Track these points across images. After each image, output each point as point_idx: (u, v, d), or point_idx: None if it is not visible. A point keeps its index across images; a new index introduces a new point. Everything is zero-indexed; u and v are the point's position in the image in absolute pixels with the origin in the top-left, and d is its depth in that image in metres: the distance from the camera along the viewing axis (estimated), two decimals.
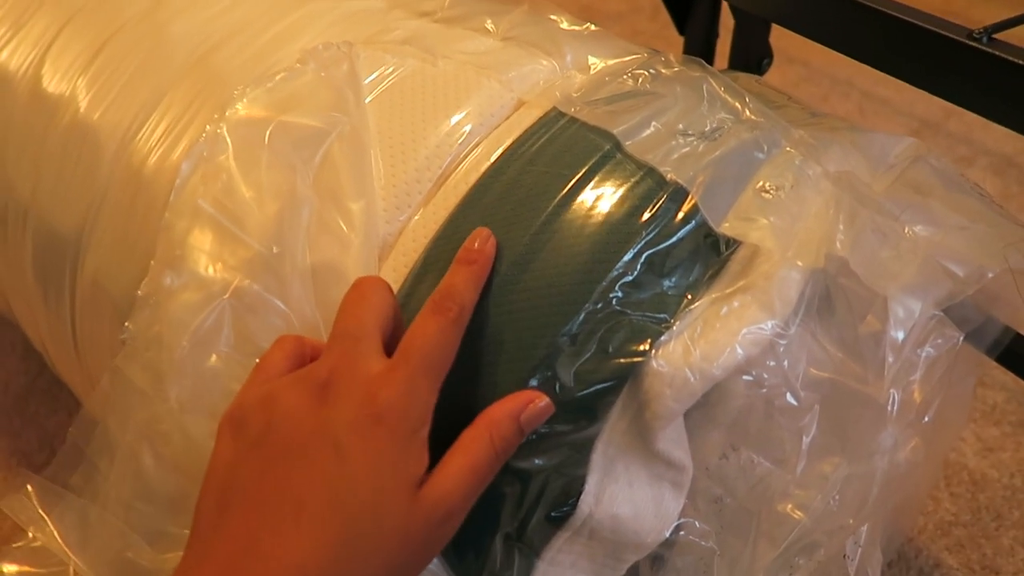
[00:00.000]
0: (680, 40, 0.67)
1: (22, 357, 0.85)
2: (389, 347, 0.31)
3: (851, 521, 0.32)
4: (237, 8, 0.50)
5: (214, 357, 0.33)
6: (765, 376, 0.32)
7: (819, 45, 0.43)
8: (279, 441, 0.29)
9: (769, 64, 0.61)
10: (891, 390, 0.31)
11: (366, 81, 0.41)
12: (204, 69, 0.47)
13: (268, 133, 0.37)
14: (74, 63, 0.52)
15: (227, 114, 0.39)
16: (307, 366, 0.31)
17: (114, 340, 0.46)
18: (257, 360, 0.31)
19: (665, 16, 0.64)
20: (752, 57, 0.60)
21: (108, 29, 0.53)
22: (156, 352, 0.35)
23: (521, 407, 0.30)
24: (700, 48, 0.64)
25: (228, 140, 0.38)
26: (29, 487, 0.35)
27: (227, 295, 0.34)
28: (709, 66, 0.41)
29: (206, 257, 0.35)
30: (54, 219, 0.50)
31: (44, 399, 0.81)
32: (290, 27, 0.47)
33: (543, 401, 0.30)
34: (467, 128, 0.38)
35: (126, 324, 0.37)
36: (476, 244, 0.33)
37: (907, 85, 0.38)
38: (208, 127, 0.40)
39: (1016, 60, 0.31)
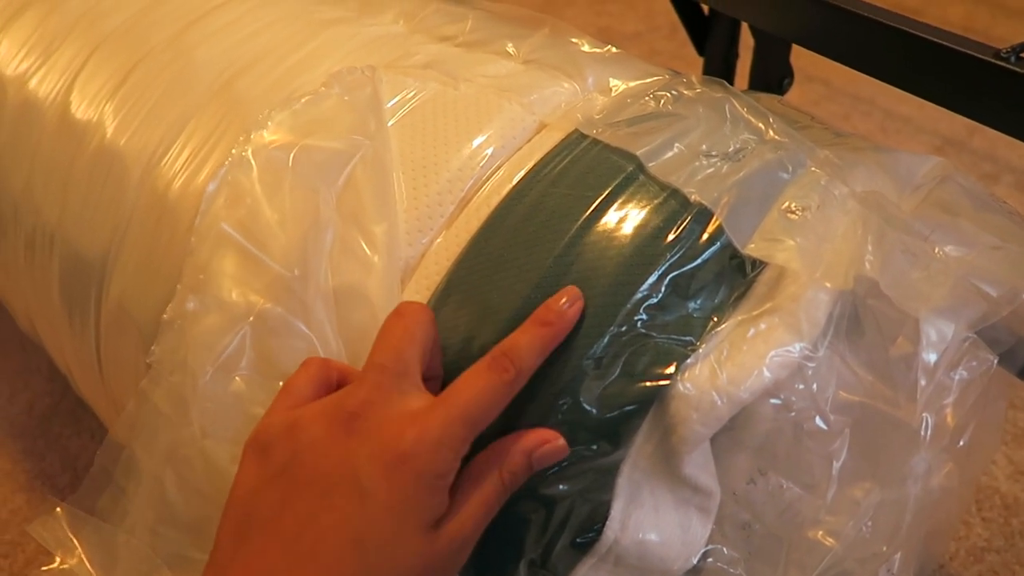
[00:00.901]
0: (699, 60, 0.67)
1: (47, 378, 0.86)
2: (425, 380, 0.30)
3: (884, 548, 0.32)
4: (261, 35, 0.50)
5: (237, 381, 0.33)
6: (793, 399, 0.31)
7: (839, 63, 0.42)
8: (303, 473, 0.28)
9: (790, 84, 0.61)
10: (924, 414, 0.30)
11: (388, 104, 0.41)
12: (228, 95, 0.47)
13: (292, 156, 0.37)
14: (101, 90, 0.53)
15: (252, 137, 0.39)
16: (337, 395, 0.30)
17: (138, 363, 0.46)
18: (281, 383, 0.31)
19: (683, 35, 0.64)
20: (773, 77, 0.60)
21: (135, 56, 0.54)
22: (180, 377, 0.35)
23: (535, 445, 0.30)
24: (719, 69, 0.64)
25: (253, 163, 0.38)
26: (59, 510, 0.35)
27: (250, 318, 0.34)
28: (731, 87, 0.41)
29: (229, 281, 0.35)
30: (80, 243, 0.51)
31: (68, 421, 0.82)
32: (313, 53, 0.48)
33: (558, 442, 0.30)
34: (489, 151, 0.38)
35: (152, 348, 0.38)
36: (563, 301, 0.31)
37: (929, 103, 0.37)
38: (234, 151, 0.40)
39: None
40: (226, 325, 0.34)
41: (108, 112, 0.52)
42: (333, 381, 0.32)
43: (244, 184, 0.37)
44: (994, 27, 1.48)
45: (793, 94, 0.62)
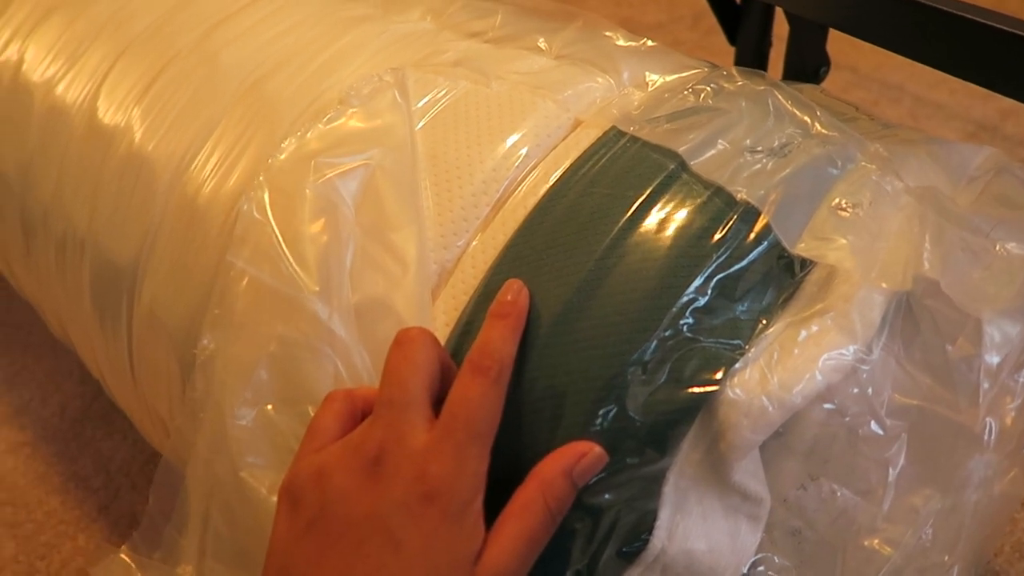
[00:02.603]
0: (724, 49, 0.65)
1: (78, 381, 0.86)
2: (441, 399, 0.30)
3: (946, 558, 0.30)
4: (287, 36, 0.50)
5: (267, 410, 0.33)
6: (847, 404, 0.30)
7: (867, 49, 0.41)
8: (333, 526, 0.29)
9: (827, 72, 0.59)
10: (987, 418, 0.29)
11: (419, 105, 0.41)
12: (256, 98, 0.47)
13: (309, 174, 0.36)
14: (128, 94, 0.53)
15: (269, 162, 0.39)
16: (356, 437, 0.30)
17: (171, 368, 0.46)
18: (310, 408, 0.31)
19: (706, 25, 0.62)
20: (809, 66, 0.59)
21: (161, 60, 0.53)
22: (211, 413, 0.35)
23: (573, 461, 0.29)
24: (752, 58, 0.63)
25: (266, 189, 0.38)
26: (124, 556, 0.36)
27: (271, 347, 0.33)
28: (772, 78, 0.40)
29: (247, 311, 0.35)
30: (111, 249, 0.50)
31: (100, 423, 0.82)
32: (340, 52, 0.47)
33: (595, 451, 0.29)
34: (524, 150, 0.37)
35: (187, 386, 0.38)
36: (509, 296, 0.32)
37: (961, 88, 0.36)
38: (252, 186, 0.40)
39: None
40: (249, 356, 0.34)
41: (136, 117, 0.52)
42: (358, 413, 0.32)
43: (257, 213, 0.37)
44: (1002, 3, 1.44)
45: None
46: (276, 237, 0.35)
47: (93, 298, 0.53)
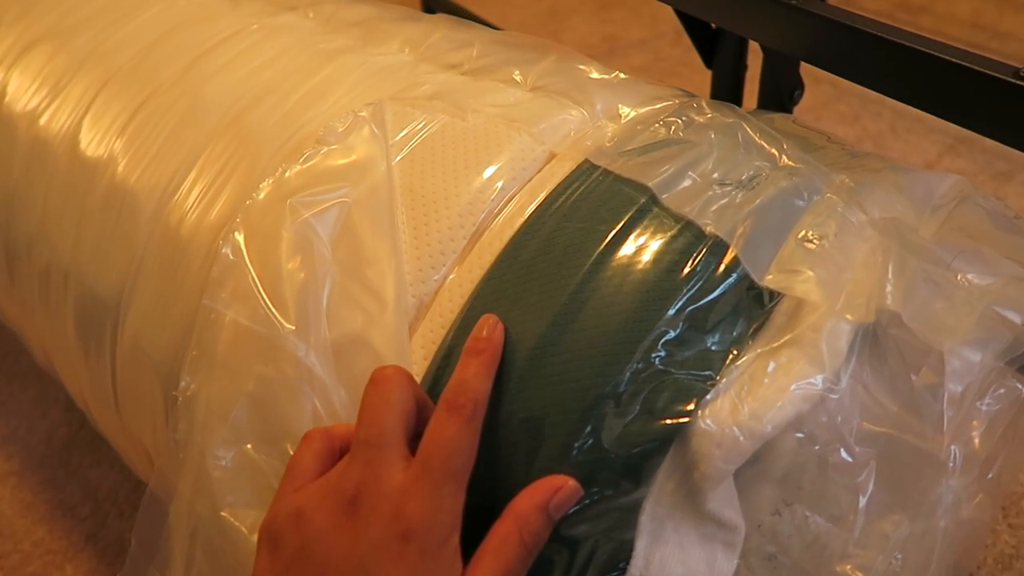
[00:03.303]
0: (704, 66, 0.66)
1: (65, 408, 0.86)
2: (417, 436, 0.31)
3: None
4: (268, 68, 0.50)
5: (247, 449, 0.33)
6: (817, 432, 0.31)
7: (852, 82, 0.42)
8: (312, 566, 0.29)
9: (801, 95, 0.60)
10: (952, 445, 0.29)
11: (397, 138, 0.41)
12: (237, 130, 0.47)
13: (286, 214, 0.37)
14: (111, 126, 0.53)
15: (247, 203, 0.40)
16: (333, 477, 0.30)
17: (155, 400, 0.46)
18: (289, 446, 0.31)
19: (687, 41, 0.63)
20: (783, 89, 0.60)
21: (143, 92, 0.54)
22: (190, 453, 0.35)
23: (548, 495, 0.29)
24: (728, 81, 0.64)
25: (243, 231, 0.38)
26: None
27: (249, 386, 0.34)
28: (742, 110, 0.41)
29: (225, 351, 0.36)
30: (94, 280, 0.51)
31: (87, 451, 0.82)
32: (320, 85, 0.48)
33: (569, 485, 0.30)
34: (500, 183, 0.38)
35: (169, 427, 0.38)
36: (484, 332, 0.32)
37: None
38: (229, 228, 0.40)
39: None
40: (228, 396, 0.34)
41: (119, 149, 0.52)
42: (336, 451, 0.32)
43: (233, 255, 0.37)
44: (1001, 22, 1.46)
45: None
46: (252, 278, 0.36)
47: (77, 329, 0.53)
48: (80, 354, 0.55)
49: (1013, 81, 0.31)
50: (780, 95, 0.60)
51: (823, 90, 1.26)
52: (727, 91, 0.64)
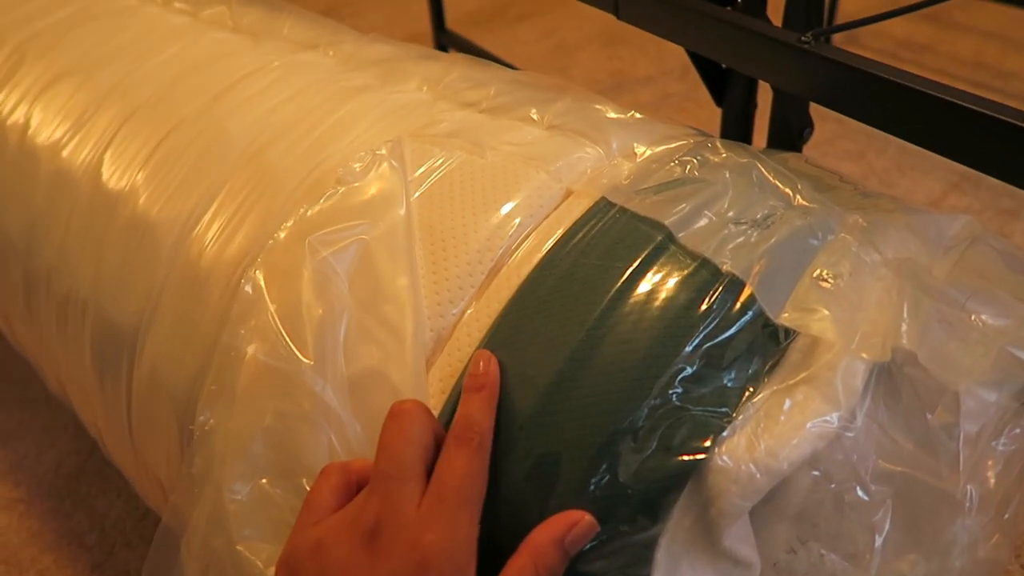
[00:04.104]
0: (712, 100, 0.67)
1: (74, 436, 0.87)
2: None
3: None
4: (289, 104, 0.52)
5: (263, 484, 0.34)
6: (833, 470, 0.31)
7: (861, 123, 0.43)
8: None
9: (810, 134, 0.61)
10: (968, 485, 0.30)
11: (416, 174, 0.42)
12: (257, 166, 0.48)
13: (306, 253, 0.38)
14: (134, 159, 0.55)
15: (269, 243, 0.40)
16: (352, 509, 0.31)
17: (170, 431, 0.47)
18: (306, 481, 0.32)
19: (694, 77, 0.64)
20: (793, 128, 0.61)
21: (166, 126, 0.55)
22: (206, 488, 0.35)
23: (564, 531, 0.30)
24: (738, 119, 0.65)
25: (264, 270, 0.39)
26: None
27: (266, 421, 0.34)
28: (756, 150, 0.42)
29: (248, 387, 0.36)
30: (113, 311, 0.51)
31: (95, 480, 0.82)
32: (339, 122, 0.49)
33: (586, 520, 0.30)
34: (517, 220, 0.39)
35: (184, 463, 0.38)
36: (481, 368, 0.33)
37: None
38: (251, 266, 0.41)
39: None
40: (245, 431, 0.35)
41: (140, 181, 0.53)
42: (354, 485, 0.33)
43: (254, 293, 0.38)
44: (1004, 61, 1.48)
45: None
46: (271, 314, 0.37)
47: (94, 358, 0.54)
48: (96, 383, 0.55)
49: (1019, 124, 0.32)
50: (790, 133, 0.61)
51: (828, 127, 1.28)
52: (737, 129, 0.65)
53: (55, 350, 0.60)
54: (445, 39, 1.23)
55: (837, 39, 1.57)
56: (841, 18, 1.54)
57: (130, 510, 0.79)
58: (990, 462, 0.30)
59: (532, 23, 1.81)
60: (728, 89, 0.64)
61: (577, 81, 1.64)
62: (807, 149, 0.60)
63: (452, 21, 1.43)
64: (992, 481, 0.31)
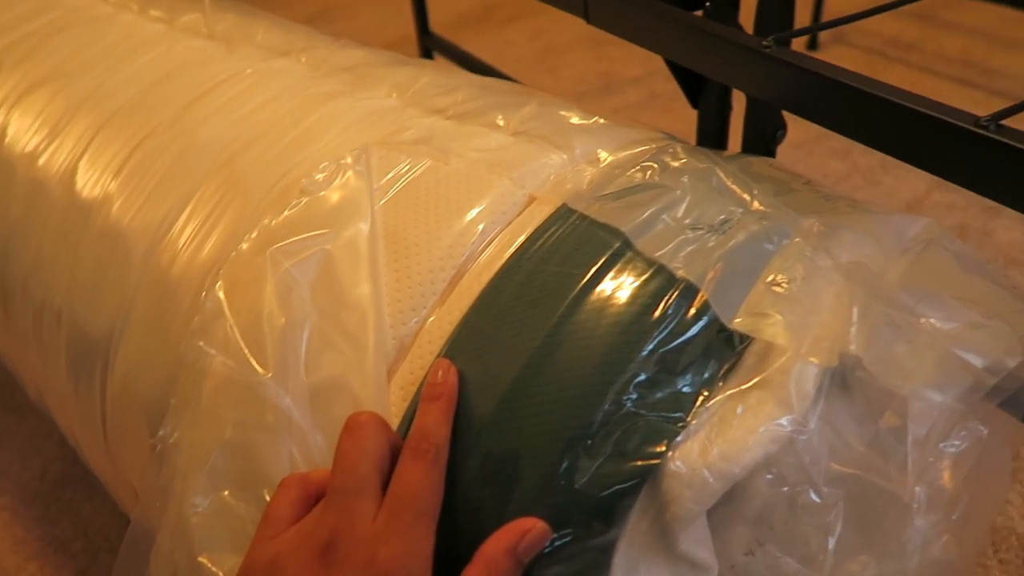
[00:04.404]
0: None
1: (59, 443, 0.87)
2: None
3: None
4: (261, 111, 0.52)
5: (224, 495, 0.34)
6: (786, 473, 0.31)
7: (824, 128, 0.43)
8: None
9: (783, 135, 0.62)
10: (916, 487, 0.30)
11: (382, 182, 0.42)
12: (229, 172, 0.48)
13: (267, 264, 0.38)
14: (107, 168, 0.55)
15: (232, 254, 0.41)
16: (308, 524, 0.31)
17: (143, 440, 0.47)
18: (266, 493, 0.32)
19: None
20: (766, 129, 0.61)
21: (139, 134, 0.55)
22: (167, 501, 0.35)
23: (517, 539, 0.30)
24: (714, 121, 0.65)
25: (226, 281, 0.39)
26: None
27: (227, 433, 0.34)
28: (717, 154, 0.42)
29: (208, 399, 0.36)
30: (86, 320, 0.51)
31: (80, 486, 0.82)
32: (310, 129, 0.49)
33: (538, 527, 0.30)
34: (481, 226, 0.39)
35: (150, 476, 0.39)
36: (439, 377, 0.33)
37: None
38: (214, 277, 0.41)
39: (1021, 145, 0.31)
40: (206, 443, 0.35)
41: (114, 190, 0.53)
42: (312, 495, 0.33)
43: (215, 304, 0.38)
44: (990, 59, 1.49)
45: (793, 132, 0.63)
46: (231, 327, 0.37)
47: (69, 367, 0.54)
48: (71, 392, 0.55)
49: (974, 129, 0.32)
50: (763, 135, 0.61)
51: (814, 126, 1.28)
52: (713, 130, 0.66)
53: (32, 358, 0.60)
54: (430, 42, 1.24)
55: (825, 38, 1.57)
56: (827, 15, 1.54)
57: (115, 517, 0.79)
58: (938, 463, 0.31)
59: (521, 25, 1.81)
60: (703, 92, 0.64)
61: (566, 82, 1.64)
62: (794, 147, 0.60)
63: (441, 23, 1.43)
64: (940, 482, 0.31)
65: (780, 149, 0.62)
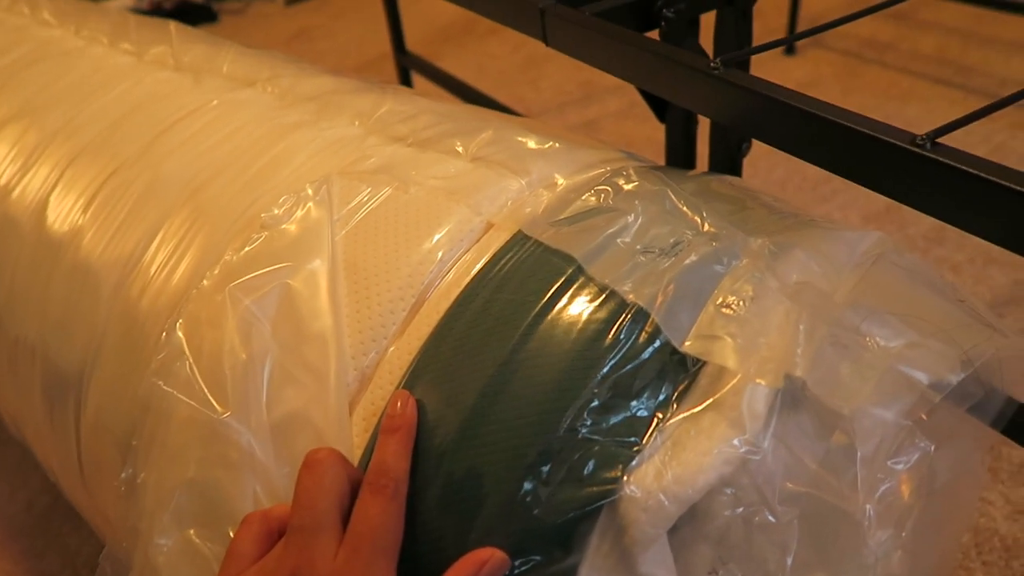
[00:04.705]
0: None
1: (45, 475, 0.87)
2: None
3: None
4: (226, 143, 0.52)
5: (189, 534, 0.34)
6: (741, 494, 0.32)
7: (773, 147, 0.43)
8: None
9: (748, 148, 0.62)
10: (865, 504, 0.30)
11: (342, 212, 0.43)
12: (195, 205, 0.49)
13: (227, 301, 0.38)
14: (76, 202, 0.55)
15: (193, 292, 0.41)
16: (272, 560, 0.31)
17: (116, 475, 0.47)
18: (230, 530, 0.32)
19: None
20: (731, 143, 0.62)
21: (108, 168, 0.55)
22: (134, 540, 0.36)
23: (475, 570, 0.30)
24: (680, 135, 0.66)
25: (186, 319, 0.40)
26: None
27: (190, 472, 0.35)
28: (676, 174, 0.42)
29: (169, 439, 0.36)
30: (59, 356, 0.52)
31: (67, 517, 0.82)
32: (274, 160, 0.49)
33: (495, 557, 0.30)
34: (439, 254, 0.40)
35: (119, 517, 0.39)
36: (398, 408, 0.34)
37: None
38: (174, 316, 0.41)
39: (956, 164, 0.31)
40: (169, 483, 0.35)
41: (83, 224, 0.54)
42: (275, 531, 0.33)
43: (175, 343, 0.39)
44: (966, 56, 1.50)
45: None
46: (190, 365, 0.37)
47: (44, 402, 0.54)
48: (47, 424, 0.55)
49: (910, 148, 0.33)
50: (729, 148, 0.62)
51: None
52: (681, 144, 0.66)
53: (8, 393, 0.60)
54: (406, 61, 1.24)
55: (802, 42, 1.58)
56: (804, 20, 1.55)
57: (100, 547, 0.79)
58: (886, 481, 0.31)
59: (502, 37, 1.82)
60: (669, 107, 0.65)
61: (547, 93, 1.65)
62: (770, 154, 0.60)
63: (423, 36, 1.44)
64: (890, 498, 0.31)
65: (759, 155, 0.63)
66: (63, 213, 0.56)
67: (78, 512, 0.82)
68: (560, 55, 0.52)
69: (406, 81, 1.34)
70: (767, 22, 1.56)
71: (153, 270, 0.48)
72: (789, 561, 0.31)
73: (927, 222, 1.12)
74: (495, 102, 1.15)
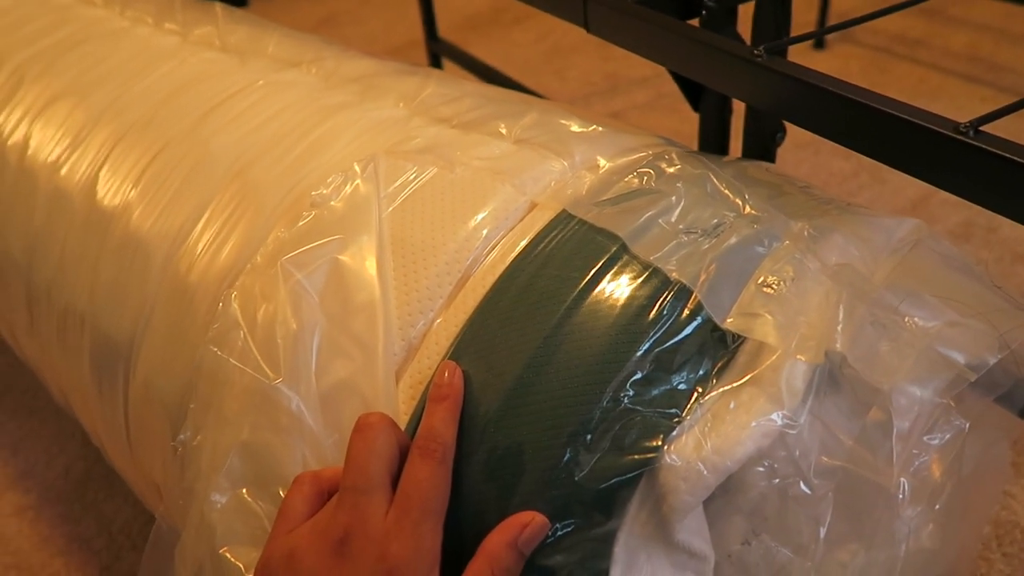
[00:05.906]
0: None
1: (82, 443, 0.89)
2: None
3: None
4: (271, 123, 0.54)
5: (242, 493, 0.36)
6: (777, 466, 0.33)
7: (816, 135, 0.44)
8: None
9: (783, 138, 0.63)
10: (900, 478, 0.31)
11: (389, 190, 0.44)
12: (242, 183, 0.50)
13: (279, 274, 0.40)
14: (126, 177, 0.57)
15: (248, 265, 0.42)
16: (323, 519, 0.33)
17: (165, 440, 0.49)
18: (281, 490, 0.34)
19: None
20: (766, 132, 0.62)
21: (156, 145, 0.57)
22: (189, 500, 0.37)
23: (517, 533, 0.31)
24: (715, 124, 0.67)
25: (241, 291, 0.41)
26: None
27: (244, 435, 0.36)
28: (713, 159, 0.43)
29: (225, 403, 0.38)
30: (109, 325, 0.54)
31: (103, 484, 0.85)
32: (320, 139, 0.51)
33: (536, 520, 0.32)
34: (485, 231, 0.41)
35: (172, 478, 0.40)
36: (445, 378, 0.35)
37: None
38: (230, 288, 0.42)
39: (1000, 151, 0.32)
40: (224, 445, 0.37)
41: (133, 199, 0.55)
42: (325, 492, 0.34)
43: (230, 313, 0.40)
44: (997, 54, 1.49)
45: (799, 133, 0.64)
46: (245, 336, 0.39)
47: (92, 370, 0.56)
48: (95, 393, 0.57)
49: (954, 135, 0.33)
50: (763, 138, 0.63)
51: None
52: (714, 133, 0.67)
53: (56, 362, 0.62)
54: (438, 48, 1.25)
55: (831, 37, 1.58)
56: (834, 15, 1.55)
57: (136, 514, 0.82)
58: (921, 457, 0.32)
59: (528, 26, 1.83)
60: (703, 96, 0.66)
61: (573, 83, 1.65)
62: (800, 146, 0.61)
63: (450, 25, 1.45)
64: (924, 473, 0.32)
65: (787, 149, 0.64)
66: (113, 189, 0.57)
67: (114, 479, 0.85)
68: (585, 46, 0.53)
69: (437, 68, 1.35)
70: (796, 16, 1.55)
71: (201, 246, 0.49)
72: (823, 532, 0.33)
73: (953, 219, 1.12)
74: (530, 91, 1.16)
